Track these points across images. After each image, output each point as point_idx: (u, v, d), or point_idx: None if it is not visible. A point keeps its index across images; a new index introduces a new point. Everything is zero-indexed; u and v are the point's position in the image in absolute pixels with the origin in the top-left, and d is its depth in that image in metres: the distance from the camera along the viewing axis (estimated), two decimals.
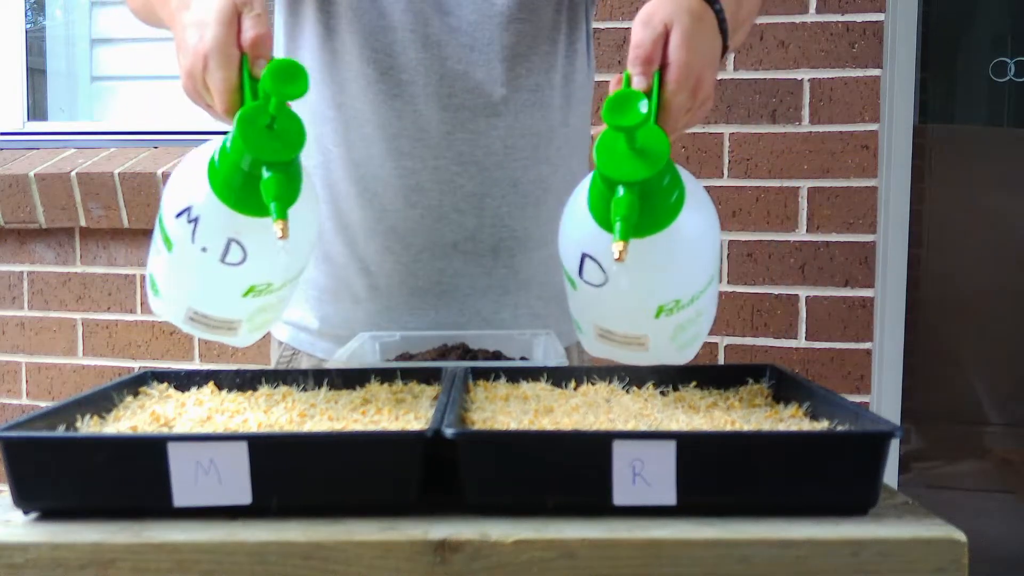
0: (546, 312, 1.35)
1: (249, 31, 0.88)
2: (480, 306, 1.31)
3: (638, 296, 0.87)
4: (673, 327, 0.90)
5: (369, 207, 1.27)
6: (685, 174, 0.87)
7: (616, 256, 0.79)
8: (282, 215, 0.81)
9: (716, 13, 0.94)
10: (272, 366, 1.40)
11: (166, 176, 2.51)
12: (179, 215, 0.86)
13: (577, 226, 0.88)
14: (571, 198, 0.91)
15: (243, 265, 0.87)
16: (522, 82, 1.27)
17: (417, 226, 1.27)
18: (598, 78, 1.43)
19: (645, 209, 0.82)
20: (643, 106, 0.81)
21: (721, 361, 2.28)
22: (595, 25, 1.40)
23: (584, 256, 0.87)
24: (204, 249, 0.86)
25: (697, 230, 0.87)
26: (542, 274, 1.34)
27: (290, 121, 0.85)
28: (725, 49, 0.97)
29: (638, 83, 0.86)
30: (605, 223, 0.84)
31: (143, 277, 2.62)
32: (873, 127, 2.25)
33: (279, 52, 1.35)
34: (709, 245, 0.89)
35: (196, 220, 0.85)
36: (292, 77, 0.83)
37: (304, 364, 1.35)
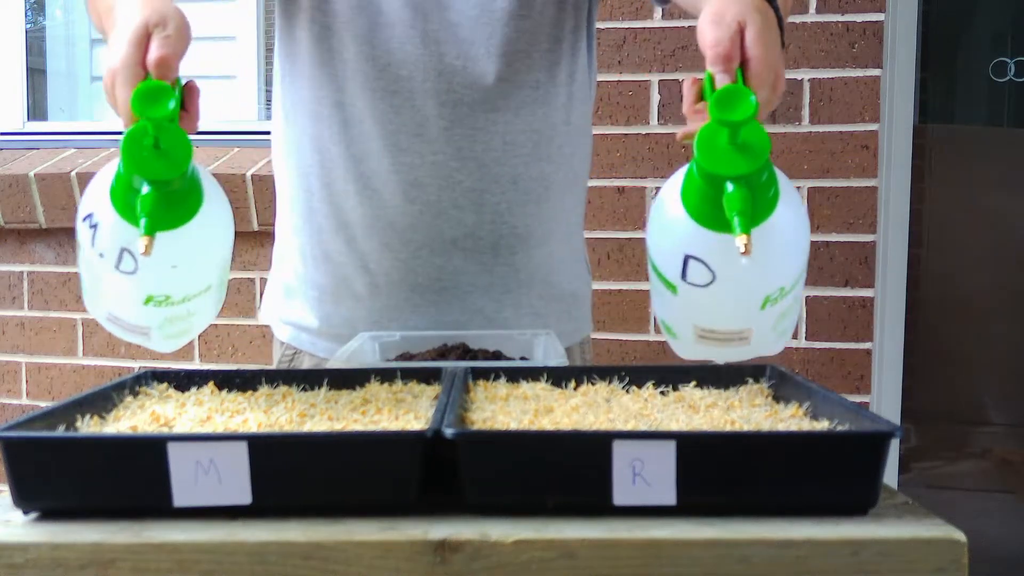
0: (547, 311, 1.35)
1: (154, 51, 0.90)
2: (481, 304, 1.31)
3: (747, 289, 0.87)
4: (776, 316, 0.90)
5: (368, 204, 1.27)
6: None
7: (742, 250, 0.79)
8: (148, 231, 0.83)
9: (775, 10, 0.95)
10: (274, 366, 1.41)
11: None
12: (84, 219, 0.90)
13: (673, 229, 0.87)
14: (656, 205, 0.90)
15: (136, 275, 0.88)
16: (522, 78, 1.27)
17: (416, 222, 1.27)
18: (598, 78, 1.43)
19: (764, 192, 0.83)
20: (752, 99, 0.81)
21: (721, 361, 2.28)
22: (596, 25, 1.40)
23: (688, 258, 0.86)
24: (101, 255, 0.89)
25: (794, 217, 0.88)
26: (544, 273, 1.34)
27: (175, 138, 0.86)
28: (782, 44, 0.97)
29: (722, 80, 0.86)
30: (708, 221, 0.83)
31: None
32: (873, 127, 2.25)
33: (276, 52, 1.36)
34: (805, 228, 0.90)
35: (96, 226, 0.89)
36: (155, 98, 0.85)
37: (306, 364, 1.35)
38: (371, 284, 1.30)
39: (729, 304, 0.89)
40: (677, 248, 0.86)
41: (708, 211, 0.83)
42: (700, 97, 0.89)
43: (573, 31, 1.32)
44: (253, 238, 2.49)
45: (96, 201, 0.89)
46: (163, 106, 0.85)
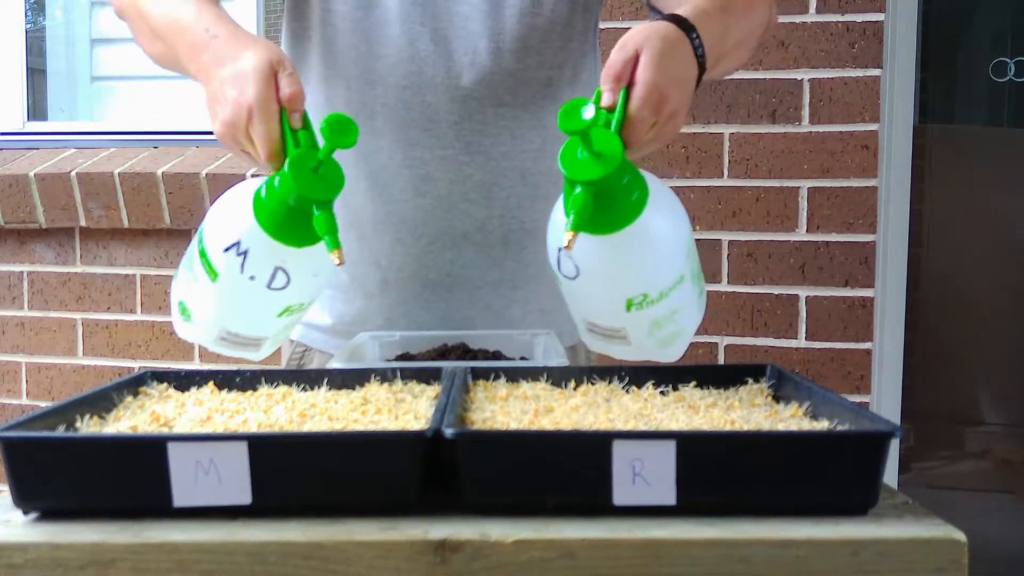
0: (554, 308, 1.36)
1: (287, 88, 0.98)
2: (490, 300, 1.32)
3: (607, 288, 0.95)
4: (648, 322, 0.97)
5: (379, 199, 1.28)
6: (651, 177, 0.94)
7: (565, 244, 0.87)
8: (337, 245, 0.92)
9: (691, 40, 1.02)
10: (284, 364, 1.41)
11: (166, 176, 2.52)
12: (227, 249, 0.96)
13: (555, 224, 0.96)
14: (556, 202, 0.98)
15: (286, 289, 0.97)
16: (531, 75, 1.28)
17: (427, 216, 1.28)
18: None
19: (608, 207, 0.90)
20: (586, 111, 0.89)
21: (721, 361, 2.28)
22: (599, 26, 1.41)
23: (560, 251, 0.94)
24: (252, 278, 0.96)
25: (661, 229, 0.94)
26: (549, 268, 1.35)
27: (333, 166, 0.95)
28: (701, 73, 1.04)
29: (605, 98, 0.96)
30: (575, 223, 0.90)
31: (143, 277, 2.62)
32: (873, 127, 2.25)
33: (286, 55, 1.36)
34: (674, 244, 0.96)
35: (245, 253, 0.96)
36: (345, 129, 0.94)
37: (316, 361, 1.36)
38: (382, 280, 1.31)
39: (595, 300, 0.98)
40: (554, 241, 0.96)
41: (576, 217, 0.89)
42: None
43: (583, 31, 1.33)
44: None
45: (239, 229, 0.96)
46: (352, 136, 0.95)
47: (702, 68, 1.04)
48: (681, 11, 1.05)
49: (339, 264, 0.92)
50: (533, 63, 1.28)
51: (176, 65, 1.15)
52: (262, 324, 1.02)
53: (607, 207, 0.90)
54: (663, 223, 0.94)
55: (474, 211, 1.29)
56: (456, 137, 1.27)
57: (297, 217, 0.93)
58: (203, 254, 0.98)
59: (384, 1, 1.26)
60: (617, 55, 0.97)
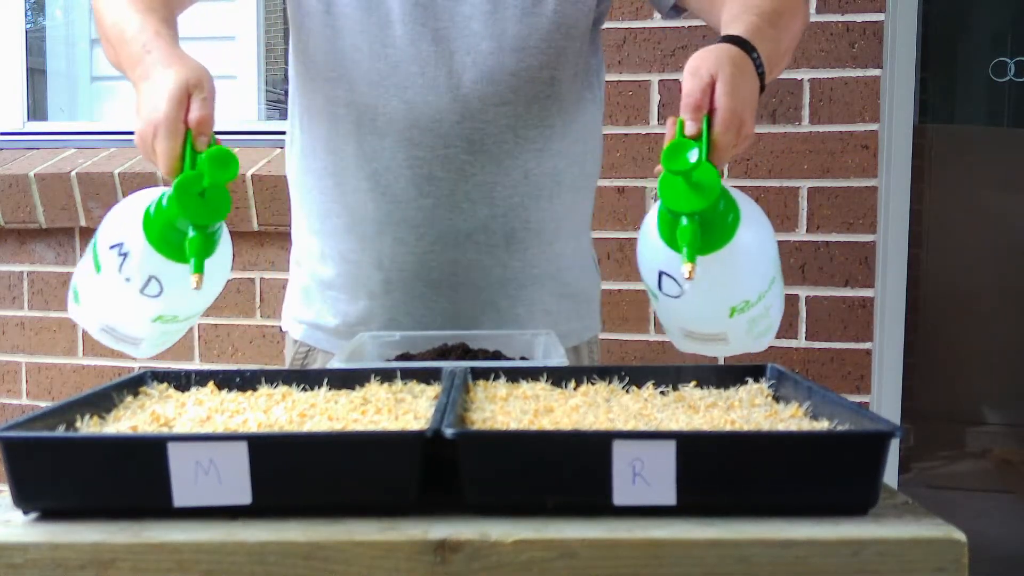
0: (558, 309, 1.37)
1: (196, 112, 1.02)
2: (494, 299, 1.32)
3: (711, 302, 1.01)
4: (747, 322, 1.03)
5: (382, 199, 1.29)
6: (738, 195, 1.01)
7: (686, 276, 0.93)
8: (199, 269, 0.96)
9: (753, 60, 1.06)
10: (287, 364, 1.42)
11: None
12: (112, 247, 1.01)
13: (651, 250, 1.02)
14: (642, 228, 1.04)
15: (158, 298, 1.01)
16: (533, 74, 1.28)
17: (430, 216, 1.29)
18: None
19: (708, 231, 0.96)
20: (692, 155, 0.94)
21: (721, 361, 2.28)
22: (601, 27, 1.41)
23: (661, 274, 1.01)
24: (128, 279, 1.00)
25: (754, 242, 1.01)
26: (555, 270, 1.36)
27: (220, 193, 0.99)
28: (762, 89, 1.08)
29: (690, 128, 0.99)
30: (674, 245, 0.97)
31: None
32: (873, 127, 2.25)
33: (290, 60, 1.38)
34: (766, 252, 1.03)
35: (125, 255, 1.01)
36: (226, 163, 0.98)
37: (319, 361, 1.37)
38: (385, 280, 1.31)
39: (699, 313, 1.04)
40: (654, 265, 1.02)
41: (674, 238, 0.97)
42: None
43: (585, 31, 1.33)
44: (253, 238, 2.49)
45: (126, 232, 1.01)
46: (232, 170, 0.98)
47: (762, 84, 1.08)
48: (736, 29, 1.09)
49: (195, 288, 0.96)
50: (535, 62, 1.28)
51: (121, 69, 1.18)
52: (136, 325, 1.06)
53: (708, 230, 0.96)
54: (756, 235, 1.01)
55: (477, 211, 1.29)
56: (458, 136, 1.27)
57: (179, 234, 0.98)
58: (94, 246, 1.03)
59: (386, 1, 1.26)
60: (693, 83, 1.00)
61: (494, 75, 1.27)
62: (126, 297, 1.01)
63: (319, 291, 1.37)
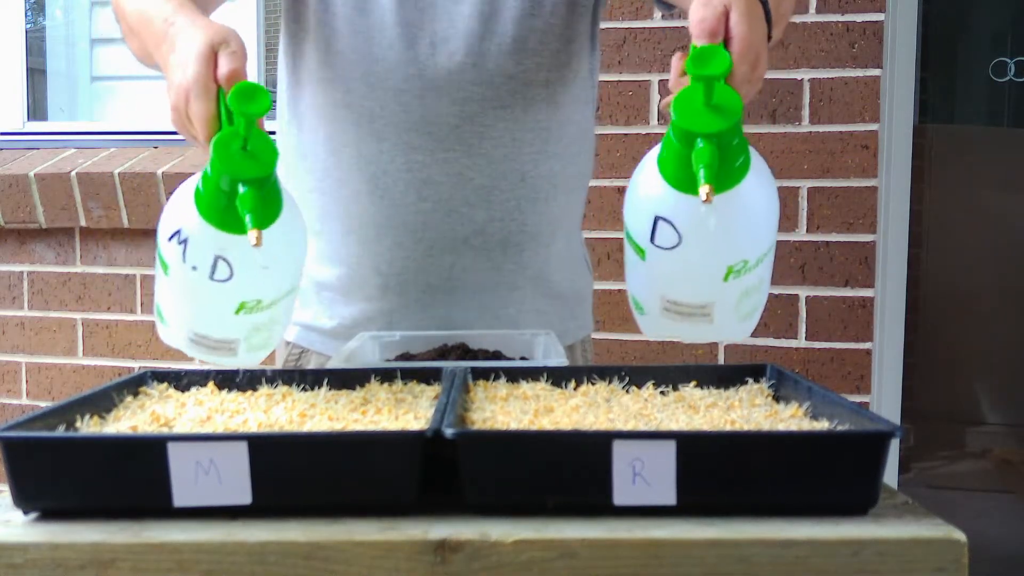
0: (551, 310, 1.37)
1: (224, 66, 0.96)
2: (489, 302, 1.32)
3: (711, 254, 0.92)
4: (739, 293, 0.94)
5: (380, 203, 1.28)
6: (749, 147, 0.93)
7: (704, 198, 0.84)
8: (257, 224, 0.88)
9: (762, 3, 1.00)
10: (279, 365, 1.41)
11: (166, 176, 2.52)
12: (171, 238, 0.93)
13: (648, 191, 0.92)
14: (635, 172, 0.95)
15: (231, 282, 0.93)
16: (531, 77, 1.28)
17: (428, 220, 1.28)
18: (599, 78, 1.44)
19: (720, 165, 0.87)
20: (729, 58, 0.87)
21: (721, 361, 2.28)
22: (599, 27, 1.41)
23: (657, 219, 0.91)
24: (194, 268, 0.92)
25: (763, 192, 0.93)
26: (548, 271, 1.36)
27: (262, 141, 0.91)
28: (769, 38, 1.01)
29: None
30: (679, 183, 0.89)
31: (143, 277, 2.62)
32: (873, 127, 2.25)
33: (281, 61, 1.36)
34: (773, 207, 0.94)
35: (185, 241, 0.93)
36: (253, 96, 0.90)
37: (313, 363, 1.36)
38: (383, 284, 1.31)
39: (693, 270, 0.94)
40: (649, 209, 0.92)
41: (680, 174, 0.88)
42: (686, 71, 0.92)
43: (582, 33, 1.33)
44: None
45: (181, 217, 0.93)
46: (262, 103, 0.90)
47: (769, 34, 1.01)
48: None
49: (255, 245, 0.87)
50: (532, 65, 1.28)
51: (150, 59, 1.14)
52: (222, 323, 0.98)
53: (719, 166, 0.87)
54: (763, 184, 0.93)
55: (474, 214, 1.29)
56: (457, 140, 1.27)
57: (233, 201, 0.90)
58: (158, 247, 0.96)
59: (382, 4, 1.26)
60: (706, 10, 0.93)
61: (492, 79, 1.27)
62: (199, 290, 0.94)
63: (315, 292, 1.36)
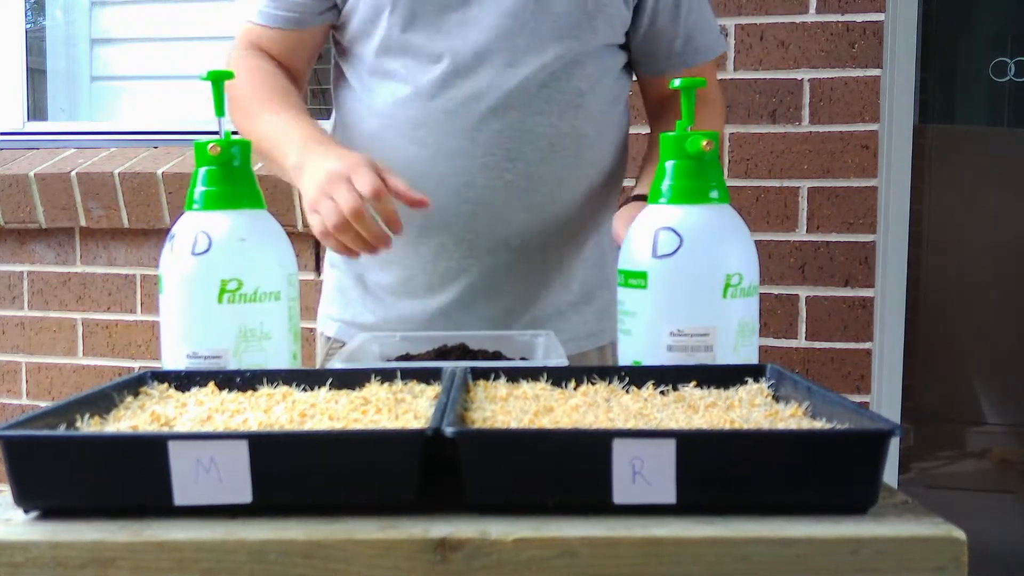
0: (587, 310, 1.43)
1: (394, 185, 1.15)
2: (528, 301, 1.38)
3: (709, 259, 1.01)
4: (737, 323, 1.01)
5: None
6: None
7: (704, 146, 1.00)
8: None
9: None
10: (318, 363, 1.47)
11: (166, 176, 2.52)
12: (168, 241, 1.04)
13: (642, 226, 1.04)
14: (624, 241, 1.06)
15: (209, 254, 1.01)
16: (565, 85, 1.34)
17: (469, 223, 1.33)
18: None
19: (706, 173, 1.02)
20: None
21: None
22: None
23: (657, 232, 1.01)
24: (178, 251, 1.02)
25: (744, 227, 1.04)
26: (582, 274, 1.43)
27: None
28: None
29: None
30: (675, 198, 1.02)
31: (143, 277, 2.62)
32: (873, 127, 2.25)
33: (333, 64, 1.46)
34: (752, 247, 1.04)
35: (173, 236, 1.04)
36: None
37: None
38: (426, 284, 1.36)
39: (695, 282, 1.00)
40: (648, 231, 1.02)
41: (673, 191, 1.02)
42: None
43: (612, 46, 1.39)
44: None
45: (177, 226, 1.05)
46: None
47: None
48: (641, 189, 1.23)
49: (212, 151, 1.02)
50: (571, 75, 1.34)
51: (266, 158, 1.32)
52: (205, 318, 1.01)
53: (705, 172, 1.02)
54: (742, 223, 1.05)
55: (513, 217, 1.33)
56: (498, 145, 1.31)
57: (212, 186, 1.03)
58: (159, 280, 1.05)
59: (427, 19, 1.31)
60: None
61: (531, 87, 1.31)
62: (183, 271, 1.01)
63: (359, 290, 1.42)
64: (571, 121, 1.35)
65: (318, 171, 1.15)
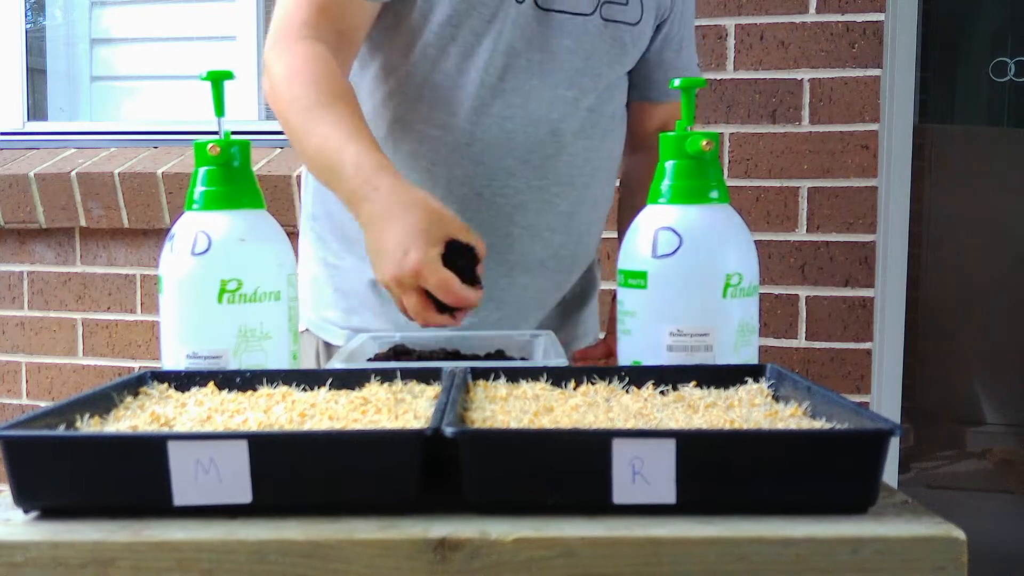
0: (590, 321, 1.48)
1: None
2: (552, 319, 1.41)
3: (708, 258, 1.01)
4: (737, 323, 1.01)
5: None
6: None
7: (703, 146, 1.01)
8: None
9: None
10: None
11: (166, 176, 2.52)
12: (168, 241, 1.04)
13: (642, 226, 1.04)
14: (624, 242, 1.06)
15: (208, 255, 1.01)
16: (605, 108, 1.37)
17: (515, 244, 1.33)
18: None
19: (705, 173, 1.03)
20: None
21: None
22: None
23: (657, 232, 1.02)
24: (180, 253, 1.02)
25: (745, 228, 1.05)
26: (592, 287, 1.48)
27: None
28: None
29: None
30: (673, 198, 1.03)
31: (143, 277, 2.62)
32: (873, 127, 2.25)
33: (375, 75, 1.38)
34: (752, 246, 1.05)
35: (173, 236, 1.03)
36: None
37: None
38: None
39: (695, 283, 1.01)
40: (648, 231, 1.02)
41: (673, 191, 1.03)
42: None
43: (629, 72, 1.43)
44: None
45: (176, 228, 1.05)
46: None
47: None
48: None
49: (211, 151, 1.01)
50: (611, 99, 1.37)
51: (325, 179, 1.21)
52: (205, 320, 1.01)
53: (705, 172, 1.03)
54: (743, 222, 1.06)
55: (554, 238, 1.35)
56: (550, 169, 1.32)
57: (210, 188, 1.03)
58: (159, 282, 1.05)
59: (498, 32, 1.29)
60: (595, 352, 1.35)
61: (580, 110, 1.33)
62: (182, 272, 1.01)
63: (378, 303, 1.35)
64: (609, 144, 1.39)
65: (386, 242, 1.08)
